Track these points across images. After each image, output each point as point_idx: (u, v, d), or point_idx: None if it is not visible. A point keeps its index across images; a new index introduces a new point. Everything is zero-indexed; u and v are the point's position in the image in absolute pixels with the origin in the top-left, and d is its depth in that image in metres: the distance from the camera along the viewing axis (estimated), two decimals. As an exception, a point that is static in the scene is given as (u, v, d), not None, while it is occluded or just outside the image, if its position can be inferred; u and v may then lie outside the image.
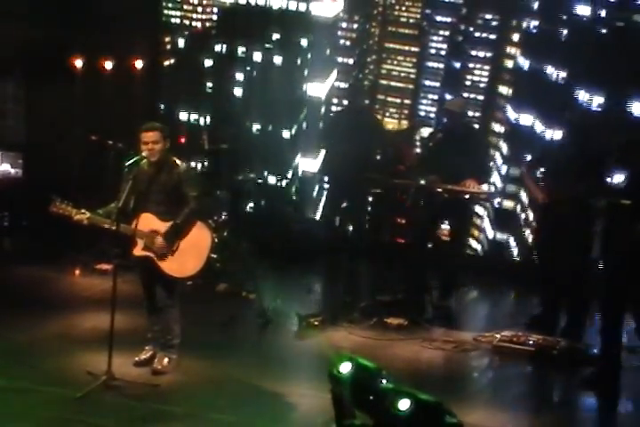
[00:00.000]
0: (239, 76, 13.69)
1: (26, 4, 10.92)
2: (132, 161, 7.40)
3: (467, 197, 9.16)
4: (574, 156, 8.59)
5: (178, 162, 7.55)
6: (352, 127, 9.86)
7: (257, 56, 13.59)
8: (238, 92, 13.68)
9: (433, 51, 13.02)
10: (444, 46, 13.05)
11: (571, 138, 8.82)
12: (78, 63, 11.33)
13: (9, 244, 11.16)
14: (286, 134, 13.63)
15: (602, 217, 8.35)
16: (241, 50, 13.63)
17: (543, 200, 8.82)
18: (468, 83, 12.84)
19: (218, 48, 13.80)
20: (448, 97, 12.52)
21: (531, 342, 8.32)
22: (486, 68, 12.77)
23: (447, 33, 12.94)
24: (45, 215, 7.47)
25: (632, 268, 7.44)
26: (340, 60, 13.54)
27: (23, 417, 6.58)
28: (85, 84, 11.29)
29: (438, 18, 12.88)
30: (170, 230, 7.38)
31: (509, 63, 12.66)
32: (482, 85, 12.93)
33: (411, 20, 13.05)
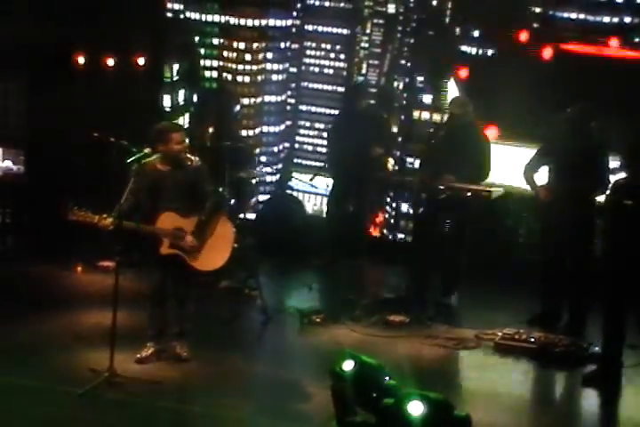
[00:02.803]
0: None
1: (27, 1, 10.91)
2: (134, 158, 7.41)
3: (468, 194, 9.15)
4: (575, 153, 8.60)
5: (190, 157, 7.58)
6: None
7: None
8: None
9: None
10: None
11: (571, 135, 8.79)
12: (80, 60, 11.32)
13: (11, 241, 11.15)
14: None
15: (603, 215, 8.34)
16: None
17: (544, 197, 8.82)
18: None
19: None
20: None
21: (532, 340, 8.32)
22: None
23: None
24: (46, 212, 7.47)
25: (633, 266, 7.45)
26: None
27: (25, 414, 6.59)
28: (87, 80, 11.28)
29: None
30: (197, 227, 7.47)
31: None
32: None
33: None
